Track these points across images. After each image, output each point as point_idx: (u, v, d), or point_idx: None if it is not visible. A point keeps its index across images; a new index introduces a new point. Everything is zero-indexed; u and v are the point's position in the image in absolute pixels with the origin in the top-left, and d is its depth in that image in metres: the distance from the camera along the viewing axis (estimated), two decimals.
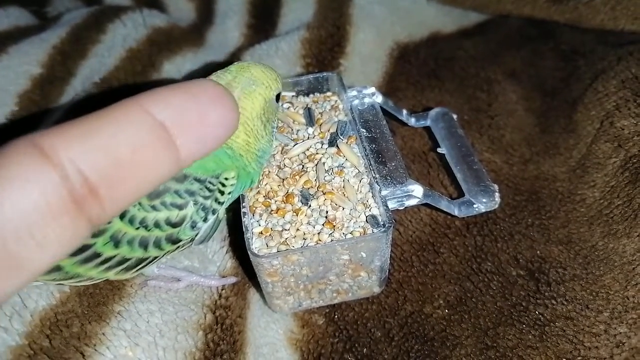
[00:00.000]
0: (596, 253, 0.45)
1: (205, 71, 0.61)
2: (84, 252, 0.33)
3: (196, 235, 0.36)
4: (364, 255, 0.39)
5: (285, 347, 0.43)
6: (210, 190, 0.35)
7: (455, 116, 0.52)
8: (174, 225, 0.34)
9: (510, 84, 0.63)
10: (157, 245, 0.35)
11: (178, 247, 0.36)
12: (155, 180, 0.22)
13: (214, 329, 0.41)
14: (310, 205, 0.39)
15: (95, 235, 0.33)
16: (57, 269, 0.33)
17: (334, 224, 0.38)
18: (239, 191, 0.38)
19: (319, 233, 0.38)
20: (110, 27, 0.65)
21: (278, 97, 0.39)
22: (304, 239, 0.38)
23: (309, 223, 0.38)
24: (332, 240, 0.37)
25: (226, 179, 0.35)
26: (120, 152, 0.21)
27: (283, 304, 0.42)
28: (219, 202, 0.36)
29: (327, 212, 0.39)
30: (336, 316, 0.44)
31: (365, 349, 0.42)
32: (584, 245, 0.46)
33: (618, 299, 0.41)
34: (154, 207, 0.33)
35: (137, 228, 0.33)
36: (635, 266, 0.42)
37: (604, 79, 0.57)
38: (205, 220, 0.35)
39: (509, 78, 0.64)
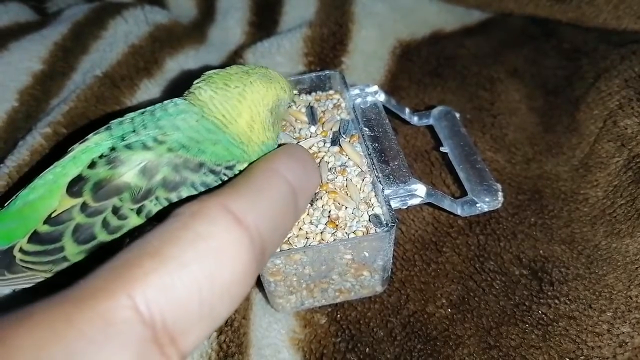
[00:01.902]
0: (599, 252, 0.45)
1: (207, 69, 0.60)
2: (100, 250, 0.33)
3: None
4: (366, 254, 0.39)
5: (287, 347, 0.42)
6: (224, 182, 0.35)
7: (458, 115, 0.51)
8: None
9: (513, 82, 0.63)
10: None
11: None
12: (289, 229, 0.28)
13: (225, 330, 0.41)
14: (313, 205, 0.39)
15: (112, 232, 0.33)
16: (64, 259, 0.33)
17: (337, 224, 0.38)
18: None
19: (321, 232, 0.38)
20: (112, 23, 0.64)
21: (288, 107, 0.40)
22: (306, 238, 0.37)
23: (311, 222, 0.38)
24: (334, 240, 0.37)
25: (240, 171, 0.35)
26: (276, 211, 0.25)
27: (285, 303, 0.42)
28: None
29: (329, 211, 0.39)
30: (338, 315, 0.44)
31: (367, 349, 0.42)
32: (586, 244, 0.46)
33: (621, 299, 0.41)
34: (169, 201, 0.33)
35: None
36: (638, 266, 0.42)
37: (607, 77, 0.57)
38: None
39: (511, 77, 0.64)
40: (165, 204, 0.33)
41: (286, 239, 0.37)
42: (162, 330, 0.20)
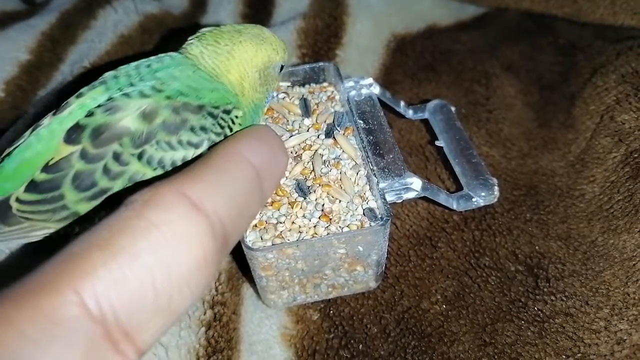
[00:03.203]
0: (596, 249, 0.44)
1: None
2: (102, 196, 0.32)
3: None
4: (360, 249, 0.38)
5: (279, 343, 0.42)
6: (221, 127, 0.35)
7: (453, 108, 0.51)
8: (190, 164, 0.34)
9: (508, 77, 0.62)
10: None
11: None
12: (254, 215, 0.26)
13: (213, 325, 0.40)
14: (306, 199, 0.38)
15: (114, 178, 0.32)
16: (75, 215, 0.33)
17: (331, 217, 0.37)
18: None
19: (315, 226, 0.37)
20: (101, 12, 0.63)
21: (281, 69, 0.40)
22: (299, 232, 0.37)
23: (304, 216, 0.37)
24: (328, 234, 0.36)
25: (236, 116, 0.36)
26: (239, 196, 0.24)
27: (277, 299, 0.41)
28: None
29: (323, 205, 0.38)
30: (331, 311, 0.43)
31: (361, 345, 0.41)
32: (583, 240, 0.45)
33: (618, 296, 0.40)
34: (170, 146, 0.33)
35: (155, 169, 0.33)
36: (635, 262, 0.41)
37: (603, 73, 0.57)
38: None
39: (506, 72, 0.63)
40: (167, 148, 0.33)
41: (278, 232, 0.36)
42: (114, 326, 0.19)
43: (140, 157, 0.32)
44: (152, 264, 0.19)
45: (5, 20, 0.63)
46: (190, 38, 0.38)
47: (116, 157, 0.32)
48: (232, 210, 0.23)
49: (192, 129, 0.33)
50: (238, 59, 0.37)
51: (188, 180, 0.22)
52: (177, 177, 0.22)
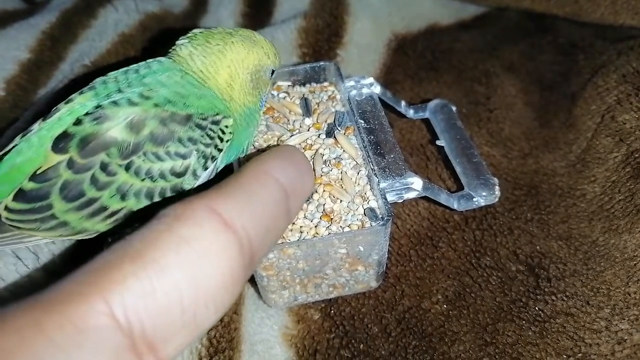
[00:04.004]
0: (597, 249, 0.44)
1: None
2: (90, 206, 0.32)
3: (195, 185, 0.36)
4: (361, 249, 0.38)
5: (279, 343, 0.42)
6: (210, 138, 0.35)
7: (454, 108, 0.51)
8: (178, 175, 0.34)
9: (509, 77, 0.62)
10: (163, 196, 0.34)
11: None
12: (280, 234, 0.26)
13: (215, 325, 0.40)
14: (308, 199, 0.38)
15: (101, 188, 0.32)
16: (64, 224, 0.33)
17: (332, 217, 0.37)
18: (235, 150, 0.38)
19: (316, 226, 0.37)
20: (102, 11, 0.63)
21: (272, 74, 0.40)
22: (300, 232, 0.37)
23: (305, 217, 0.37)
24: (329, 234, 0.36)
25: (226, 126, 0.36)
26: (267, 215, 0.24)
27: (278, 299, 0.41)
28: (219, 149, 0.36)
29: (324, 204, 0.38)
30: (332, 311, 0.43)
31: (362, 345, 0.41)
32: (584, 240, 0.45)
33: (619, 295, 0.40)
34: (158, 157, 0.33)
35: (143, 179, 0.33)
36: (636, 262, 0.41)
37: (604, 73, 0.57)
38: (205, 167, 0.35)
39: (507, 71, 0.63)
40: (154, 159, 0.33)
41: None
42: (140, 339, 0.19)
43: (127, 168, 0.32)
44: (181, 278, 0.20)
45: (6, 19, 0.63)
46: (180, 39, 0.38)
47: (104, 167, 0.32)
48: (260, 229, 0.23)
49: (179, 140, 0.33)
50: (229, 59, 0.37)
51: (219, 197, 0.22)
52: (208, 193, 0.23)
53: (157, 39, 0.63)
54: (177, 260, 0.20)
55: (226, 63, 0.37)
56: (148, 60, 0.37)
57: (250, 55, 0.37)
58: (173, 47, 0.38)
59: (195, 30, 0.38)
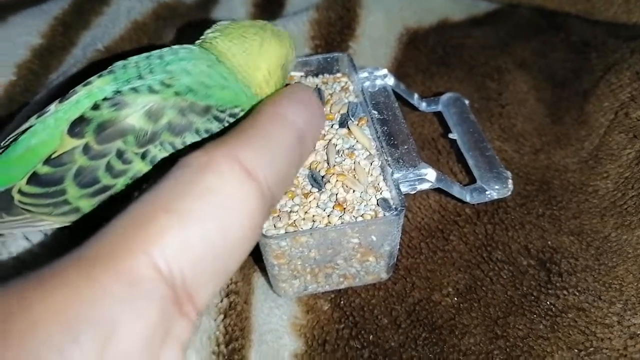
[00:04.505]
0: (609, 244, 0.44)
1: None
2: (104, 193, 0.32)
3: None
4: (374, 239, 0.38)
5: (288, 333, 0.41)
6: (227, 129, 0.34)
7: (467, 102, 0.50)
8: None
9: (521, 74, 0.62)
10: None
11: None
12: (293, 178, 0.27)
13: (229, 313, 0.40)
14: (321, 189, 0.38)
15: (116, 176, 0.32)
16: (76, 210, 0.33)
17: (345, 207, 0.37)
18: None
19: (328, 216, 0.37)
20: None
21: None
22: (313, 221, 0.37)
23: (317, 206, 0.37)
24: (342, 223, 0.36)
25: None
26: (284, 161, 0.25)
27: (288, 288, 0.41)
28: None
29: (337, 194, 0.38)
30: (342, 302, 0.43)
31: (371, 336, 0.41)
32: (596, 236, 0.45)
33: (632, 291, 0.40)
34: (174, 147, 0.32)
35: None
36: None
37: (617, 70, 0.56)
38: None
39: (519, 68, 0.63)
40: (170, 149, 0.32)
41: (292, 221, 0.36)
42: (181, 289, 0.19)
43: (143, 156, 0.32)
44: (212, 227, 0.20)
45: (18, 5, 0.63)
46: (210, 31, 0.37)
47: (119, 155, 0.32)
48: (279, 176, 0.24)
49: (197, 131, 0.33)
50: (269, 54, 0.37)
51: (240, 144, 0.23)
52: (228, 141, 0.23)
53: (169, 27, 0.63)
54: (208, 211, 0.20)
55: (266, 58, 0.37)
56: (174, 46, 0.36)
57: (282, 50, 0.38)
58: (203, 38, 0.37)
59: (224, 23, 0.38)
